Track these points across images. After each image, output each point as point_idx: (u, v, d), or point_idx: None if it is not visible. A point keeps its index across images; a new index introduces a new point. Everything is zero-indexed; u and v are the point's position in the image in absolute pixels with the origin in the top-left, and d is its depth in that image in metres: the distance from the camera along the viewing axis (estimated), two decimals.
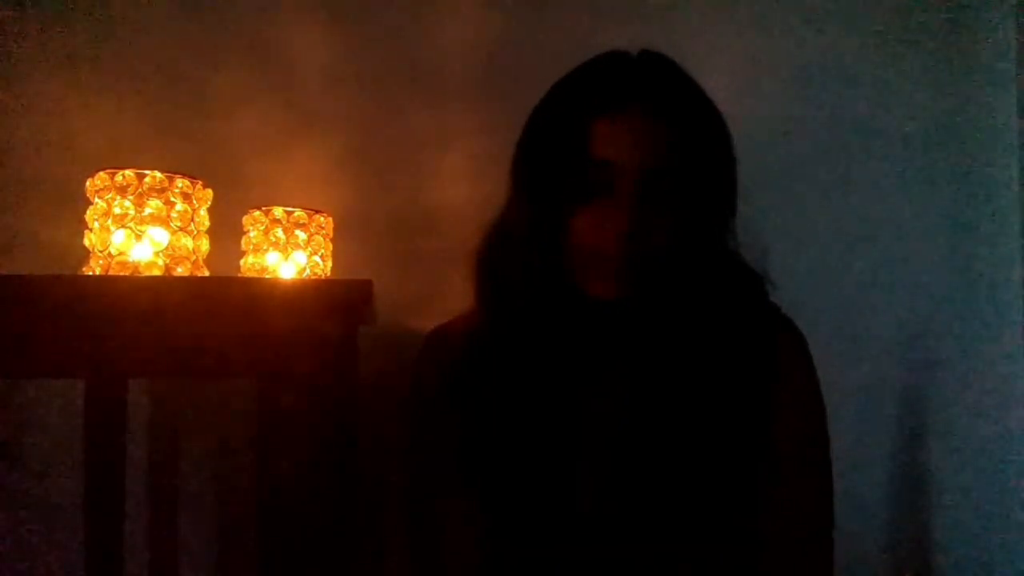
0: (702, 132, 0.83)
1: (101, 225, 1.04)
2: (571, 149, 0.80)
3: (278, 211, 1.16)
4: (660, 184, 0.80)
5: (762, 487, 0.84)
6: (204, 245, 1.11)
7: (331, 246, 1.21)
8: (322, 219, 1.19)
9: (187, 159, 1.22)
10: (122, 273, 1.02)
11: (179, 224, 1.06)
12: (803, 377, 0.88)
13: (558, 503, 0.83)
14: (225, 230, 1.17)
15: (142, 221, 1.04)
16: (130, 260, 1.03)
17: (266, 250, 1.15)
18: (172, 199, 1.06)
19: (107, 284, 1.00)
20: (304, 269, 1.17)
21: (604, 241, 0.80)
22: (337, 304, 1.03)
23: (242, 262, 1.17)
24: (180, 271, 1.06)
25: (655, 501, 0.82)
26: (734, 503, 0.83)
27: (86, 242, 1.05)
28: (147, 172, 1.05)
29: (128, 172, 1.04)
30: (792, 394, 0.86)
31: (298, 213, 1.17)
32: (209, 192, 1.12)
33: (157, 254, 1.04)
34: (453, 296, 0.95)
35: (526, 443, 0.84)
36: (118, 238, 1.03)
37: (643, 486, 0.82)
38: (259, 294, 1.03)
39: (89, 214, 1.05)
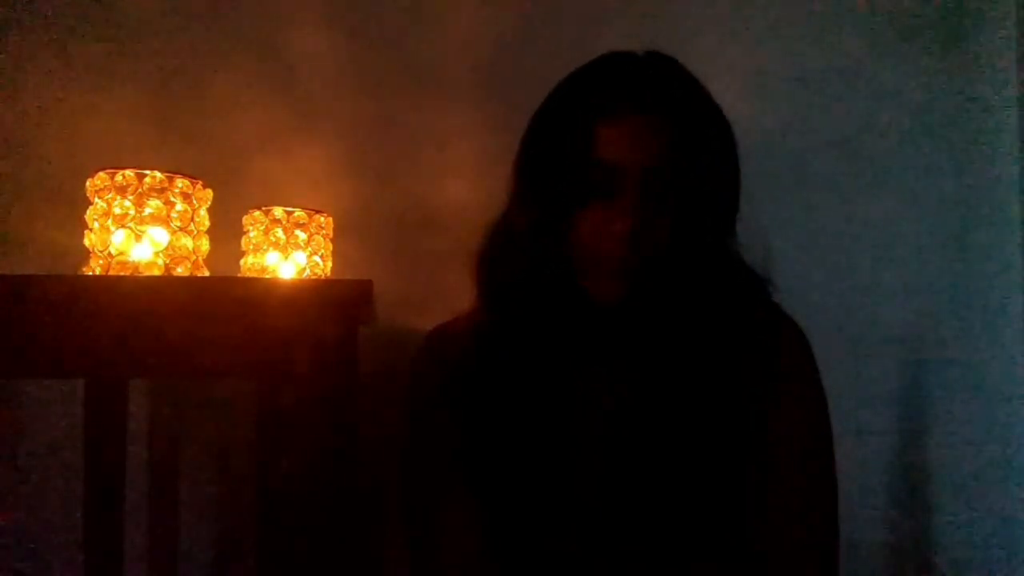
0: (705, 133, 0.82)
1: (101, 225, 1.04)
2: (575, 151, 0.80)
3: (278, 211, 1.16)
4: (662, 184, 0.79)
5: (761, 488, 0.84)
6: (204, 245, 1.11)
7: (331, 246, 1.21)
8: (322, 219, 1.19)
9: (187, 159, 1.22)
10: (122, 273, 1.02)
11: (179, 224, 1.06)
12: (805, 378, 0.87)
13: (558, 503, 0.83)
14: (225, 230, 1.17)
15: (142, 221, 1.04)
16: (130, 260, 1.03)
17: (266, 250, 1.15)
18: (172, 199, 1.06)
19: (107, 284, 1.00)
20: (304, 269, 1.17)
21: (607, 243, 0.80)
22: (337, 304, 1.02)
23: (242, 262, 1.17)
24: (180, 271, 1.06)
25: (655, 501, 0.82)
26: (735, 502, 0.83)
27: (86, 242, 1.05)
28: (147, 172, 1.05)
29: (128, 172, 1.04)
30: (793, 395, 0.86)
31: (298, 213, 1.17)
32: (209, 192, 1.11)
33: (157, 254, 1.04)
34: (453, 296, 0.94)
35: (526, 443, 0.84)
36: (118, 238, 1.03)
37: (643, 485, 0.82)
38: (259, 294, 1.03)
39: (89, 214, 1.05)
